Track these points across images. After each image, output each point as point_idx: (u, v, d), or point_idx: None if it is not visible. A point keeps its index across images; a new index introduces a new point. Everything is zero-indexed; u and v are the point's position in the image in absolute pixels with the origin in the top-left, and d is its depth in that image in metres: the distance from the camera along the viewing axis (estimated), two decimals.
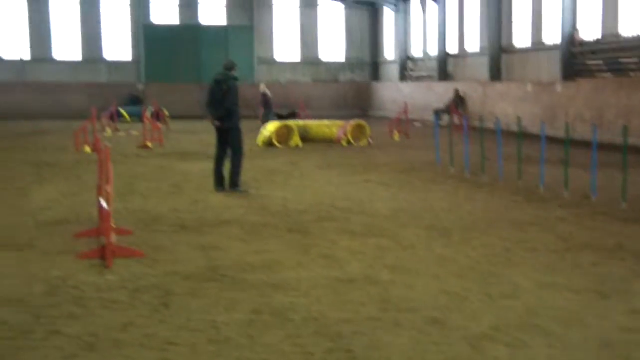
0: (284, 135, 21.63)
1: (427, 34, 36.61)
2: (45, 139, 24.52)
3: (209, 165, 13.06)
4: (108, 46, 39.67)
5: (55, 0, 38.84)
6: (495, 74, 29.75)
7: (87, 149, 19.85)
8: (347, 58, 42.89)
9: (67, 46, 39.21)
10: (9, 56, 38.52)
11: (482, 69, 31.03)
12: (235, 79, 12.53)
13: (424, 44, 37.25)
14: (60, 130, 27.97)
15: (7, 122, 32.97)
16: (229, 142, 12.70)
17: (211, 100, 12.63)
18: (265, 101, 28.32)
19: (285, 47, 41.89)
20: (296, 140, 21.47)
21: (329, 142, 22.05)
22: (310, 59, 42.26)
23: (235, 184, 12.69)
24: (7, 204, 11.61)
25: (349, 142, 21.80)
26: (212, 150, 13.24)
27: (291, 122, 22.41)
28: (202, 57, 39.68)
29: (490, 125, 25.36)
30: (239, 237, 9.01)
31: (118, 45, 39.83)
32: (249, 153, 16.78)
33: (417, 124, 30.63)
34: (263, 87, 28.76)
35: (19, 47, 38.48)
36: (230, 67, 12.57)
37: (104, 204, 8.01)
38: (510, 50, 29.23)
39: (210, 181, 13.07)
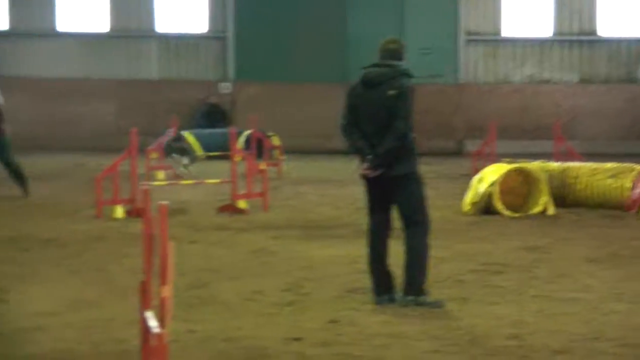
0: (518, 190, 17.39)
1: None
2: (38, 189, 19.98)
3: (359, 250, 10.42)
4: (161, 13, 34.69)
5: None
6: None
7: (119, 212, 16.35)
8: None
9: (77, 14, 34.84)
10: None
11: None
12: (408, 75, 9.46)
13: None
14: (67, 174, 24.15)
15: None
16: (398, 203, 9.51)
17: (353, 121, 9.70)
18: None
19: (522, 15, 33.81)
20: (544, 201, 16.83)
21: (614, 207, 17.20)
22: (577, 34, 32.31)
23: (415, 289, 9.73)
24: None
25: None
26: (363, 218, 10.52)
27: (533, 165, 17.32)
28: (349, 29, 31.67)
29: None
30: None
31: (181, 12, 35.16)
32: (443, 226, 14.09)
33: None
34: None
35: None
36: (396, 54, 9.57)
37: (153, 325, 6.19)
38: None
39: (363, 280, 10.26)
